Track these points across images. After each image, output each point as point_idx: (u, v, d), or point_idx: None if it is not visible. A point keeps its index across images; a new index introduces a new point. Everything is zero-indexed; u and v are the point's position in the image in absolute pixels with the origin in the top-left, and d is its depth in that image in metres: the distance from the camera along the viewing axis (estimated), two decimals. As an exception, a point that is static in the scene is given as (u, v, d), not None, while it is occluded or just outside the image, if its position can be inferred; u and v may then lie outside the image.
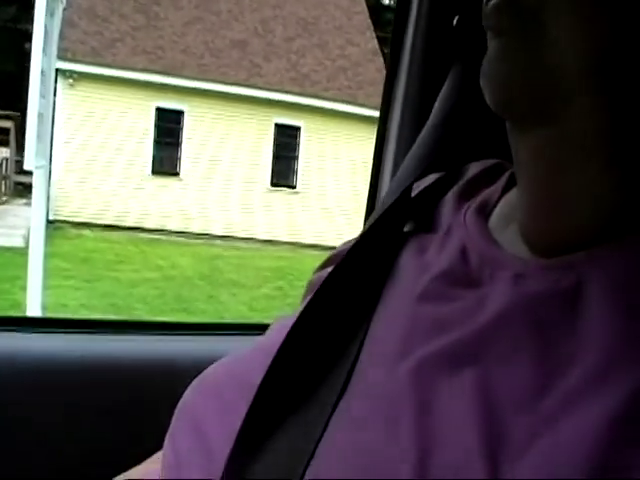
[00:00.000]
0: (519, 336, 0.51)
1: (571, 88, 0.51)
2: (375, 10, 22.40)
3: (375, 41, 19.14)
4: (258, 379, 0.62)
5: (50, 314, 7.82)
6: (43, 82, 7.58)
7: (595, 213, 0.54)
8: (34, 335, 1.40)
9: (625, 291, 0.50)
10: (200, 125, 17.02)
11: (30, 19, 7.50)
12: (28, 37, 7.99)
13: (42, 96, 7.63)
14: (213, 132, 17.03)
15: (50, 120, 8.67)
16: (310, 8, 19.84)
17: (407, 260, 0.66)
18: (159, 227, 15.73)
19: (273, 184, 17.75)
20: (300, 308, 0.67)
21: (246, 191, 17.21)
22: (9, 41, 23.02)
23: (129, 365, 1.36)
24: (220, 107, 17.12)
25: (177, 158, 17.11)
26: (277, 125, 17.78)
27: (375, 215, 0.72)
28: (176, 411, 0.72)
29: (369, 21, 20.15)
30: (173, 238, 15.31)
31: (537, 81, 0.52)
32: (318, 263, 0.81)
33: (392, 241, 0.69)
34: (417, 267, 0.64)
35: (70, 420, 1.30)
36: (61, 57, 14.13)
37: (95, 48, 16.24)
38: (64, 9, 12.54)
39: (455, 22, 0.67)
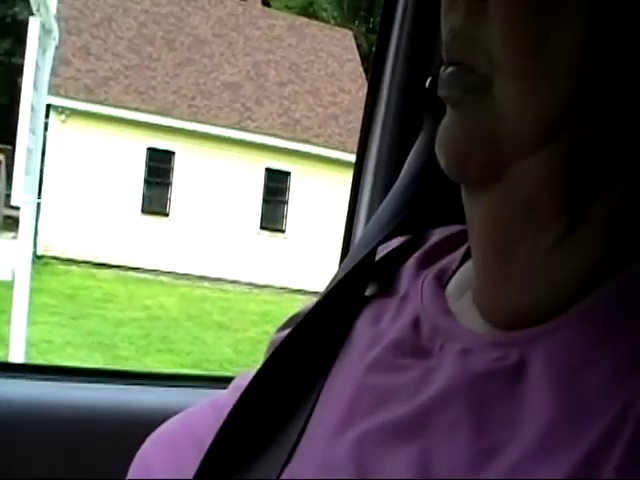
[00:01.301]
0: (461, 413, 0.52)
1: (518, 152, 0.53)
2: (367, 58, 22.63)
3: (367, 89, 19.23)
4: (209, 438, 0.63)
5: (34, 350, 7.79)
6: (33, 117, 7.58)
7: (545, 286, 0.55)
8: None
9: (566, 369, 0.50)
10: (191, 166, 17.04)
11: (23, 54, 7.49)
12: (21, 71, 7.95)
13: (32, 132, 7.61)
14: (204, 174, 17.05)
15: (39, 155, 8.68)
16: (302, 54, 20.01)
17: (362, 327, 0.66)
18: (147, 267, 15.68)
19: (262, 227, 17.78)
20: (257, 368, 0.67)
21: (235, 234, 17.20)
22: (2, 74, 23.07)
23: (95, 414, 1.37)
24: (211, 149, 17.16)
25: (167, 198, 17.13)
26: (267, 169, 17.82)
27: (336, 278, 0.73)
28: (133, 463, 0.74)
29: (361, 69, 20.37)
30: (161, 278, 15.30)
31: (485, 147, 0.54)
32: None
33: (351, 305, 0.69)
34: (370, 335, 0.64)
35: (42, 465, 1.31)
36: (54, 93, 14.19)
37: (88, 86, 16.28)
38: (57, 47, 12.55)
39: (428, 83, 0.68)
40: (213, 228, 16.95)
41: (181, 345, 10.07)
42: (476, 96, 0.54)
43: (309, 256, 16.81)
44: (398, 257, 0.74)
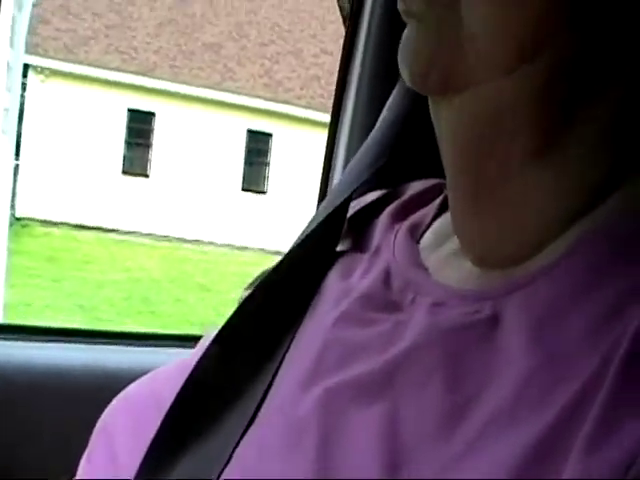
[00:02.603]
0: (431, 367, 0.50)
1: (487, 73, 0.50)
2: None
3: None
4: (171, 400, 0.62)
5: (13, 313, 7.88)
6: (10, 76, 7.51)
7: (520, 212, 0.53)
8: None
9: (542, 321, 0.48)
10: (172, 127, 16.97)
11: None
12: None
13: (8, 90, 7.56)
14: (185, 135, 16.98)
15: (17, 115, 8.61)
16: (285, 15, 19.87)
17: (332, 281, 0.65)
18: (128, 228, 15.63)
19: (244, 189, 17.79)
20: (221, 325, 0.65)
21: (216, 195, 17.20)
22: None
23: (69, 373, 1.35)
24: (192, 110, 17.07)
25: (148, 159, 17.07)
26: (249, 131, 17.79)
27: (305, 232, 0.70)
28: (95, 428, 0.72)
29: (343, 30, 20.16)
30: (142, 240, 15.28)
31: (449, 58, 0.51)
32: None
33: (321, 259, 0.67)
34: (340, 289, 0.62)
35: (19, 427, 1.30)
36: (33, 53, 14.12)
37: (67, 45, 16.14)
38: (34, 4, 12.42)
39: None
40: (194, 190, 16.95)
41: (162, 307, 10.16)
42: (440, 10, 0.51)
43: (291, 218, 16.79)
44: (371, 211, 0.71)
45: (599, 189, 0.51)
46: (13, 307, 7.96)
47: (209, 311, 10.26)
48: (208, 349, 0.63)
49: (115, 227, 15.51)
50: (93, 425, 0.73)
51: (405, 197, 0.71)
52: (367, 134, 0.84)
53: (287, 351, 0.61)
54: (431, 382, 0.50)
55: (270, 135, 17.98)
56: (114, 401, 0.73)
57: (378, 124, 0.85)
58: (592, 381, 0.44)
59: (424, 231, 0.65)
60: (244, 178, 17.81)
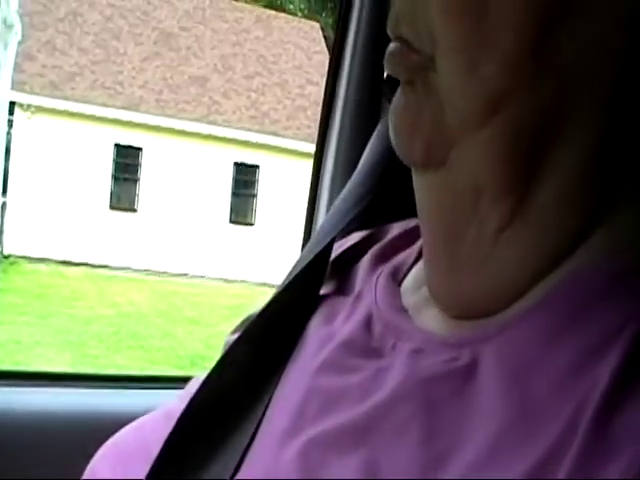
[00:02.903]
0: (409, 417, 0.51)
1: (461, 131, 0.52)
2: (334, 50, 22.59)
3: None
4: (158, 447, 0.62)
5: (2, 351, 7.87)
6: None
7: (494, 272, 0.54)
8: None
9: (517, 370, 0.49)
10: (159, 161, 16.97)
11: None
12: None
13: None
14: (172, 169, 16.98)
15: (3, 154, 8.61)
16: (270, 47, 19.99)
17: (315, 327, 0.65)
18: (116, 263, 15.61)
19: (232, 221, 17.79)
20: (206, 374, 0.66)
21: (204, 228, 17.17)
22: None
23: (58, 418, 1.34)
24: (179, 143, 17.09)
25: (135, 194, 17.03)
26: (236, 163, 17.82)
27: (289, 277, 0.71)
28: (84, 474, 0.73)
29: (327, 61, 20.27)
30: (130, 274, 15.23)
31: (430, 127, 0.53)
32: None
33: (305, 304, 0.68)
34: (322, 335, 0.63)
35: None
36: (19, 90, 14.16)
37: (53, 81, 16.14)
38: (20, 42, 12.46)
39: (386, 75, 0.64)
40: (182, 223, 16.93)
41: (151, 341, 10.04)
42: (421, 74, 0.53)
43: (279, 249, 16.76)
44: (355, 254, 0.72)
45: (567, 245, 0.53)
46: (2, 345, 7.92)
47: (198, 344, 10.15)
48: (194, 397, 0.64)
49: (103, 262, 15.46)
50: (80, 470, 0.74)
51: (387, 239, 0.72)
52: (351, 169, 0.87)
53: (271, 398, 0.61)
54: (409, 433, 0.50)
55: (257, 167, 17.98)
56: (103, 448, 0.74)
57: (361, 162, 0.86)
58: (568, 427, 0.44)
59: (405, 274, 0.66)
60: (232, 210, 17.82)
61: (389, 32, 0.56)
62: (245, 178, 17.98)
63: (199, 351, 9.78)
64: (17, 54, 11.02)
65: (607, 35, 0.51)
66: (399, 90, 0.56)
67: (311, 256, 0.70)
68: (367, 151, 0.88)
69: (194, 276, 15.91)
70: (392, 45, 0.55)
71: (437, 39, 0.52)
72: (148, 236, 16.52)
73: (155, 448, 0.63)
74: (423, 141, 0.54)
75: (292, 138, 17.86)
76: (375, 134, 0.89)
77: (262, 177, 18.04)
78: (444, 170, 0.54)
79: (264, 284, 15.51)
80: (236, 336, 0.70)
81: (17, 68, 12.08)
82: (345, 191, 0.81)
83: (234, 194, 17.91)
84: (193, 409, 0.63)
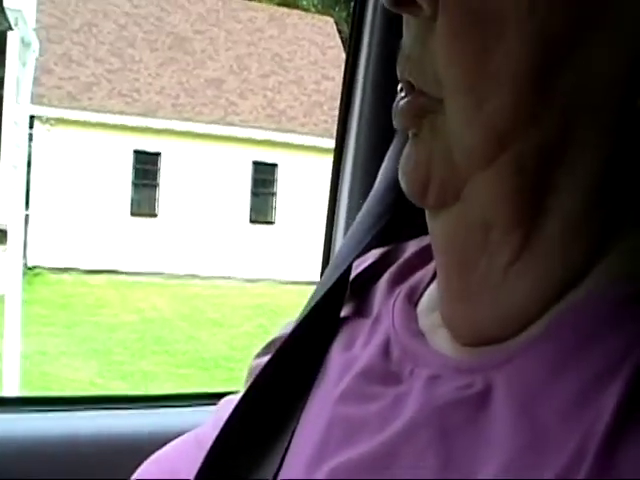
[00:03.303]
0: (426, 445, 0.52)
1: (471, 169, 0.54)
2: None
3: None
4: (191, 475, 0.64)
5: (29, 362, 7.77)
6: (17, 131, 7.56)
7: (504, 303, 0.55)
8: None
9: (527, 397, 0.50)
10: (178, 165, 16.94)
11: (3, 66, 7.48)
12: (1, 84, 8.00)
13: (17, 146, 7.61)
14: (191, 172, 16.94)
15: (25, 169, 8.62)
16: (285, 44, 19.90)
17: (336, 353, 0.67)
18: (139, 269, 15.55)
19: (252, 221, 17.71)
20: (238, 399, 0.68)
21: (225, 229, 17.12)
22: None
23: (93, 441, 1.36)
24: (197, 146, 17.05)
25: (155, 199, 17.03)
26: (254, 162, 17.74)
27: (313, 299, 0.72)
28: None
29: (343, 56, 19.89)
30: (153, 279, 15.16)
31: (442, 170, 0.55)
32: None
33: (327, 328, 0.69)
34: (342, 362, 0.65)
35: None
36: (37, 103, 14.11)
37: (71, 93, 16.18)
38: (37, 58, 12.49)
39: (400, 88, 0.65)
40: (203, 225, 16.85)
41: (176, 345, 10.06)
42: (429, 119, 0.54)
43: (299, 247, 16.69)
44: (373, 274, 0.73)
45: (573, 274, 0.53)
46: (29, 356, 7.87)
47: (222, 346, 10.21)
48: (227, 423, 0.66)
49: (126, 269, 15.40)
50: None
51: (404, 258, 0.73)
52: (369, 184, 0.88)
53: (296, 425, 0.63)
54: (426, 459, 0.51)
55: (275, 165, 17.91)
56: (137, 472, 0.76)
57: (378, 180, 0.87)
58: (575, 456, 0.45)
59: (421, 293, 0.67)
60: (252, 210, 17.76)
61: (399, 75, 0.57)
62: (264, 177, 17.91)
63: (223, 352, 9.86)
64: (35, 68, 11.07)
65: (608, 67, 0.51)
66: (408, 143, 0.57)
67: (332, 280, 0.72)
68: (383, 169, 0.89)
69: (216, 277, 15.78)
70: (401, 100, 0.56)
71: (443, 81, 0.53)
72: (169, 240, 16.48)
73: (185, 474, 0.66)
74: (436, 187, 0.55)
75: (309, 134, 17.74)
76: (390, 151, 0.90)
77: (281, 175, 17.98)
78: (455, 207, 0.55)
79: (286, 282, 15.48)
80: (261, 360, 0.74)
81: (35, 82, 12.15)
82: (363, 211, 0.82)
83: (253, 193, 17.86)
84: (226, 434, 0.65)
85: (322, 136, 17.35)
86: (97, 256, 15.54)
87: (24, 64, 8.11)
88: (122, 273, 15.26)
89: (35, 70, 11.65)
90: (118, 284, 14.32)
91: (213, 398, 1.57)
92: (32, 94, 11.00)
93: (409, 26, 0.57)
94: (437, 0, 0.53)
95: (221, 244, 16.86)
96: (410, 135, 0.57)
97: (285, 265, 16.58)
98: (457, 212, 0.56)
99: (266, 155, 17.77)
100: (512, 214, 0.54)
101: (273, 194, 18.08)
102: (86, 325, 10.61)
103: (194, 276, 15.80)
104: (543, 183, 0.53)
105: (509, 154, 0.52)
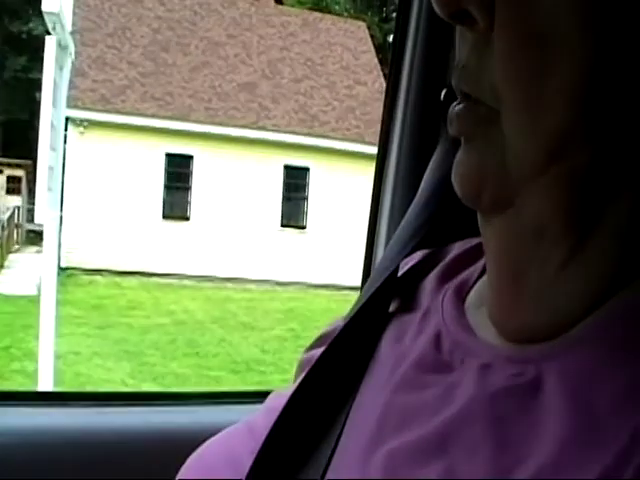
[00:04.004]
0: (481, 431, 0.53)
1: (524, 180, 0.54)
2: (382, 49, 22.48)
3: (382, 79, 18.97)
4: (247, 461, 0.66)
5: (62, 362, 7.83)
6: (53, 134, 7.62)
7: (556, 305, 0.56)
8: (35, 410, 1.42)
9: (580, 388, 0.51)
10: (210, 169, 17.05)
11: (40, 69, 7.57)
12: (38, 86, 8.05)
13: (52, 149, 7.67)
14: (223, 175, 17.05)
15: (60, 171, 8.70)
16: (317, 49, 19.98)
17: (387, 346, 0.68)
18: (170, 272, 15.66)
19: (283, 225, 17.77)
20: (290, 390, 0.70)
21: (256, 233, 17.19)
22: (20, 90, 23.21)
23: (132, 438, 1.37)
24: (229, 150, 17.17)
25: (187, 202, 17.14)
26: (286, 166, 17.82)
27: (362, 298, 0.74)
28: None
29: (376, 60, 20.26)
30: (184, 282, 15.25)
31: (496, 177, 0.55)
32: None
33: (377, 323, 0.71)
34: (395, 354, 0.66)
35: None
36: (72, 106, 14.19)
37: (105, 95, 16.34)
38: (73, 61, 12.62)
39: (443, 95, 0.67)
40: (234, 229, 16.94)
41: (207, 348, 10.11)
42: (485, 128, 0.55)
43: (330, 251, 16.82)
44: (419, 272, 0.75)
45: (623, 277, 0.55)
46: (62, 356, 7.91)
47: (253, 349, 10.24)
48: (281, 414, 0.68)
49: (158, 271, 15.52)
50: None
51: (450, 257, 0.74)
52: (411, 193, 0.91)
53: (348, 415, 0.65)
54: (482, 444, 0.53)
55: (307, 169, 17.99)
56: (189, 461, 0.77)
57: (422, 186, 0.87)
58: (626, 448, 0.46)
59: (469, 290, 0.68)
60: (283, 214, 17.82)
61: (454, 84, 0.57)
62: (296, 181, 17.98)
63: (255, 355, 9.88)
64: (70, 73, 11.18)
65: None
66: (460, 148, 0.58)
67: (380, 279, 0.74)
68: (426, 176, 0.90)
69: (247, 281, 15.86)
70: (458, 105, 0.57)
71: (500, 95, 0.53)
72: (201, 243, 16.56)
73: (241, 461, 0.68)
74: (489, 192, 0.56)
75: (341, 139, 17.78)
76: (435, 156, 0.90)
77: (312, 179, 18.02)
78: (508, 213, 0.56)
79: (317, 286, 15.51)
80: (311, 354, 0.77)
81: (69, 84, 12.25)
82: (407, 216, 0.83)
83: (285, 198, 17.93)
84: (281, 425, 0.67)
85: (355, 141, 17.44)
86: (129, 258, 15.66)
87: (61, 67, 8.15)
88: (154, 275, 15.38)
89: (69, 73, 11.75)
90: (150, 286, 14.43)
91: (246, 397, 1.64)
92: (67, 97, 11.08)
93: (464, 37, 0.57)
94: (492, 15, 0.53)
95: (252, 248, 16.93)
96: (463, 141, 0.58)
97: (315, 269, 16.62)
98: (510, 218, 0.57)
99: (298, 160, 17.82)
100: (564, 223, 0.54)
101: (304, 198, 18.15)
102: (118, 326, 10.69)
103: (225, 279, 15.87)
104: (595, 196, 0.54)
105: (563, 167, 0.53)
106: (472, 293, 0.68)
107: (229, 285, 15.49)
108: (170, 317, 11.79)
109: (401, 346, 0.67)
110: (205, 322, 11.74)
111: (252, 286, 15.54)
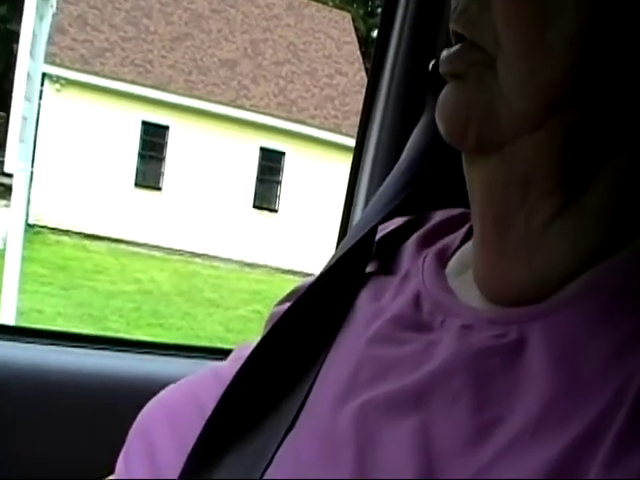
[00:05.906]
0: (461, 387, 0.53)
1: (517, 130, 0.54)
2: (365, 42, 22.65)
3: (363, 73, 19.18)
4: (212, 405, 0.65)
5: (25, 319, 7.89)
6: (28, 85, 7.52)
7: (542, 262, 0.56)
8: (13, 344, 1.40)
9: (564, 348, 0.51)
10: (185, 142, 16.97)
11: (20, 20, 7.41)
12: (16, 38, 7.90)
13: (27, 99, 7.54)
14: (198, 150, 16.98)
15: (34, 123, 8.60)
16: (300, 34, 19.96)
17: (363, 302, 0.68)
18: (139, 240, 15.61)
19: (255, 206, 17.76)
20: (258, 339, 0.69)
21: (228, 211, 17.18)
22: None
23: (88, 380, 1.36)
24: (206, 125, 17.09)
25: (160, 172, 17.06)
26: (262, 148, 17.77)
27: (337, 255, 0.74)
28: (131, 431, 0.74)
29: (358, 53, 20.39)
30: (153, 252, 15.26)
31: (483, 117, 0.55)
32: None
33: (352, 280, 0.71)
34: (371, 310, 0.65)
35: (34, 429, 1.30)
36: (49, 62, 14.15)
37: (84, 56, 16.17)
38: (54, 14, 12.42)
39: (431, 66, 0.68)
40: (206, 205, 16.94)
41: (171, 320, 10.09)
42: (479, 70, 0.55)
43: (301, 237, 16.89)
44: (398, 236, 0.75)
45: (614, 239, 0.55)
46: (25, 313, 7.97)
47: (217, 326, 10.23)
48: (248, 360, 0.67)
49: (126, 238, 15.48)
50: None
51: (431, 224, 0.74)
52: (390, 162, 0.90)
53: (321, 366, 0.64)
54: (460, 401, 0.52)
55: (283, 154, 17.98)
56: (149, 405, 0.76)
57: (405, 152, 0.87)
58: (609, 408, 0.47)
59: (450, 257, 0.68)
60: (256, 195, 17.81)
61: (451, 27, 0.57)
62: (271, 164, 17.96)
63: (218, 333, 9.85)
64: (49, 26, 11.02)
65: None
66: (448, 85, 0.57)
67: (357, 237, 0.73)
68: (410, 142, 0.89)
69: (215, 258, 15.91)
70: (456, 45, 0.57)
71: (500, 43, 0.54)
72: (171, 215, 16.56)
73: (207, 405, 0.66)
74: (475, 130, 0.56)
75: (319, 128, 17.81)
76: (419, 125, 0.90)
77: (287, 164, 18.02)
78: (495, 158, 0.56)
79: (285, 270, 15.53)
80: (282, 307, 0.74)
81: (48, 40, 12.07)
82: (387, 181, 0.82)
83: (259, 179, 17.92)
84: (247, 371, 0.66)
85: (332, 131, 17.60)
86: (98, 222, 15.59)
87: (41, 18, 8.00)
88: (122, 242, 15.34)
89: (49, 28, 11.61)
90: (118, 253, 14.44)
91: (213, 353, 1.63)
92: (45, 52, 10.93)
93: None
94: None
95: (223, 226, 16.93)
96: (452, 79, 0.57)
97: (284, 254, 16.65)
98: (497, 163, 0.57)
99: (274, 143, 17.83)
100: (555, 177, 0.55)
101: (278, 182, 18.14)
102: (83, 289, 10.65)
103: (193, 254, 15.90)
104: (590, 154, 0.54)
105: (558, 121, 0.53)
106: (453, 260, 0.68)
107: (197, 260, 15.53)
108: (136, 285, 11.78)
109: (378, 304, 0.66)
110: (171, 294, 11.73)
111: (220, 264, 15.57)
